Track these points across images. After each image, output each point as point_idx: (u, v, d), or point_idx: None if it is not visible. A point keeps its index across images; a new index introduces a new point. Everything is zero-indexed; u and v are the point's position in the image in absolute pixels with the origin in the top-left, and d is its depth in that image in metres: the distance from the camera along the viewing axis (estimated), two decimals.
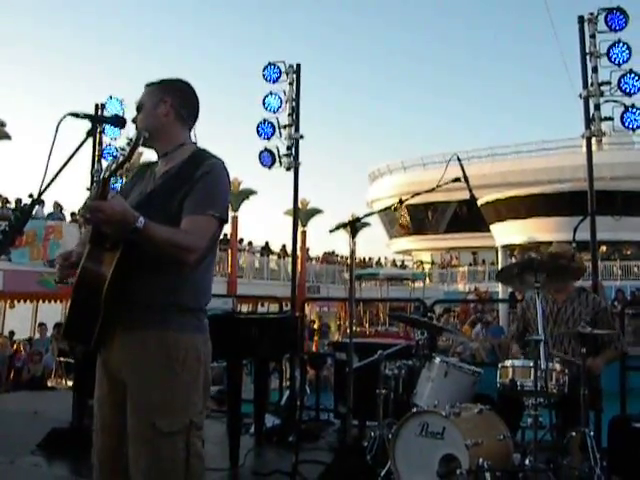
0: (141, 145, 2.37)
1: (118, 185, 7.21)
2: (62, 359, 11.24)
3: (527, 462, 3.31)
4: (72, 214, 17.43)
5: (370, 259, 34.99)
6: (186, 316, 2.17)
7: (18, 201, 16.02)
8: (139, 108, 2.33)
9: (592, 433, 3.51)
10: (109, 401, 2.22)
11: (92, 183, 7.15)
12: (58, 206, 16.96)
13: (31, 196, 13.96)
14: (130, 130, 2.41)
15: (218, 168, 2.25)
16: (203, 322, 2.25)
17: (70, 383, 9.64)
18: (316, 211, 26.82)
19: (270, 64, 6.27)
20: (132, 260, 2.06)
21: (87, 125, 2.08)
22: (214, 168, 2.23)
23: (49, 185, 1.94)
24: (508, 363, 3.69)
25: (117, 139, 7.06)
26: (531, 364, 3.46)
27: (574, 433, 3.48)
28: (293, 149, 6.32)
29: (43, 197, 2.00)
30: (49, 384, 11.04)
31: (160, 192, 2.24)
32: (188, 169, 2.22)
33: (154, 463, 2.08)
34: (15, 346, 12.78)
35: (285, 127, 6.32)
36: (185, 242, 2.08)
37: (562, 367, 3.57)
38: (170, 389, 2.11)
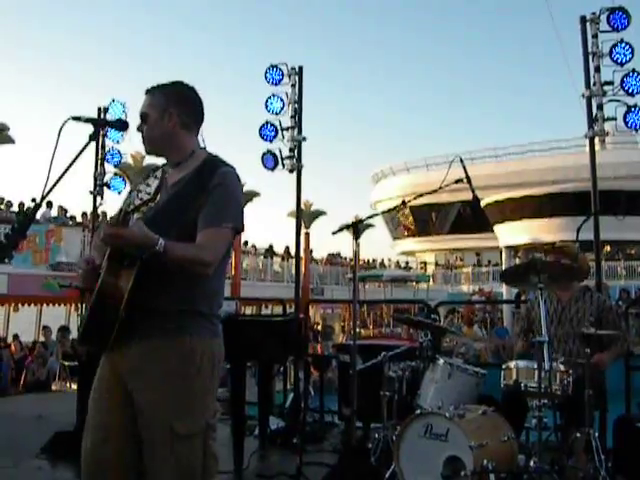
0: (152, 155, 2.38)
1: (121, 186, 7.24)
2: (66, 362, 11.23)
3: (532, 463, 3.31)
4: (72, 217, 17.48)
5: (374, 260, 34.93)
6: (201, 321, 2.20)
7: (21, 205, 16.06)
8: (143, 117, 2.31)
9: (597, 434, 3.49)
10: (108, 399, 2.22)
11: (95, 187, 7.18)
12: (62, 210, 17.01)
13: (34, 200, 14.00)
14: (133, 134, 2.41)
15: (231, 177, 2.25)
16: (217, 326, 2.27)
17: (74, 386, 9.64)
18: (319, 213, 26.82)
19: (272, 66, 6.27)
20: (149, 273, 2.09)
21: (90, 129, 2.09)
22: (227, 178, 2.23)
23: (52, 188, 1.94)
24: (512, 364, 3.69)
25: (120, 142, 7.10)
26: (535, 365, 3.45)
27: (579, 434, 3.47)
28: (296, 151, 6.32)
29: (48, 200, 2.02)
30: (53, 387, 11.02)
31: (174, 202, 2.24)
32: (201, 178, 2.22)
33: (172, 466, 2.09)
34: (26, 349, 12.73)
35: (287, 129, 6.31)
36: (202, 257, 2.11)
37: (566, 368, 3.56)
38: (188, 393, 2.13)
